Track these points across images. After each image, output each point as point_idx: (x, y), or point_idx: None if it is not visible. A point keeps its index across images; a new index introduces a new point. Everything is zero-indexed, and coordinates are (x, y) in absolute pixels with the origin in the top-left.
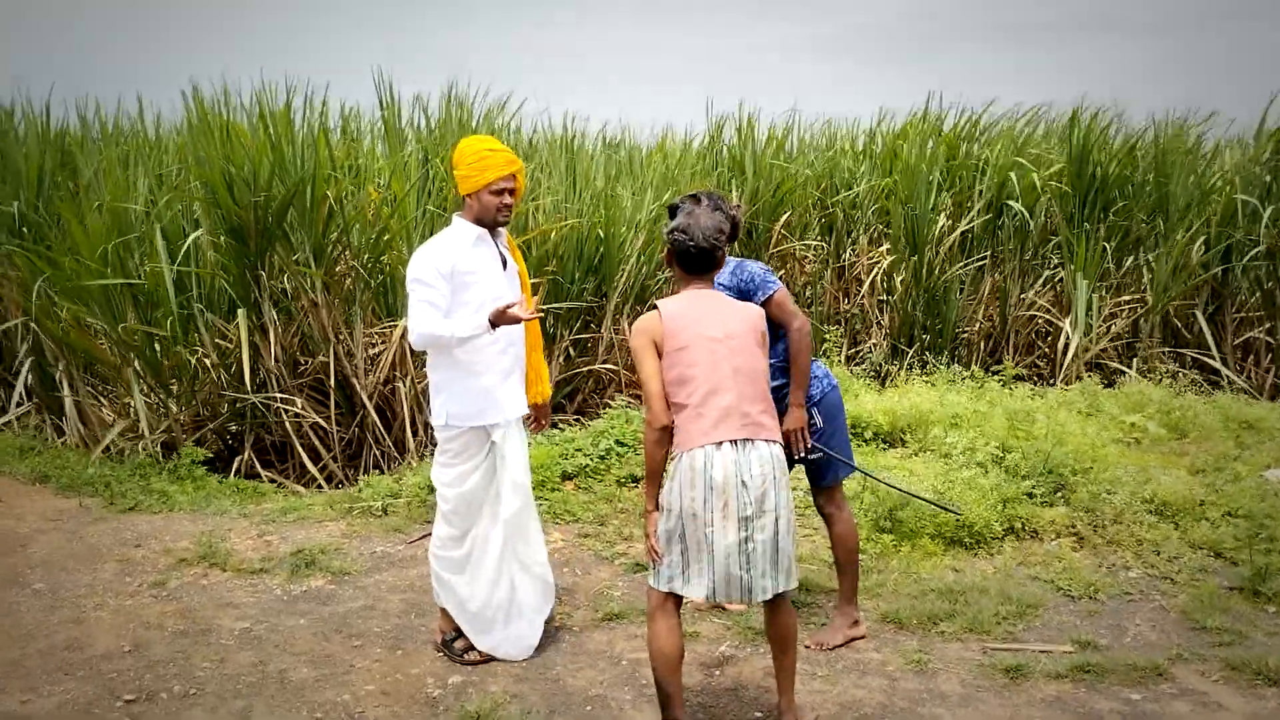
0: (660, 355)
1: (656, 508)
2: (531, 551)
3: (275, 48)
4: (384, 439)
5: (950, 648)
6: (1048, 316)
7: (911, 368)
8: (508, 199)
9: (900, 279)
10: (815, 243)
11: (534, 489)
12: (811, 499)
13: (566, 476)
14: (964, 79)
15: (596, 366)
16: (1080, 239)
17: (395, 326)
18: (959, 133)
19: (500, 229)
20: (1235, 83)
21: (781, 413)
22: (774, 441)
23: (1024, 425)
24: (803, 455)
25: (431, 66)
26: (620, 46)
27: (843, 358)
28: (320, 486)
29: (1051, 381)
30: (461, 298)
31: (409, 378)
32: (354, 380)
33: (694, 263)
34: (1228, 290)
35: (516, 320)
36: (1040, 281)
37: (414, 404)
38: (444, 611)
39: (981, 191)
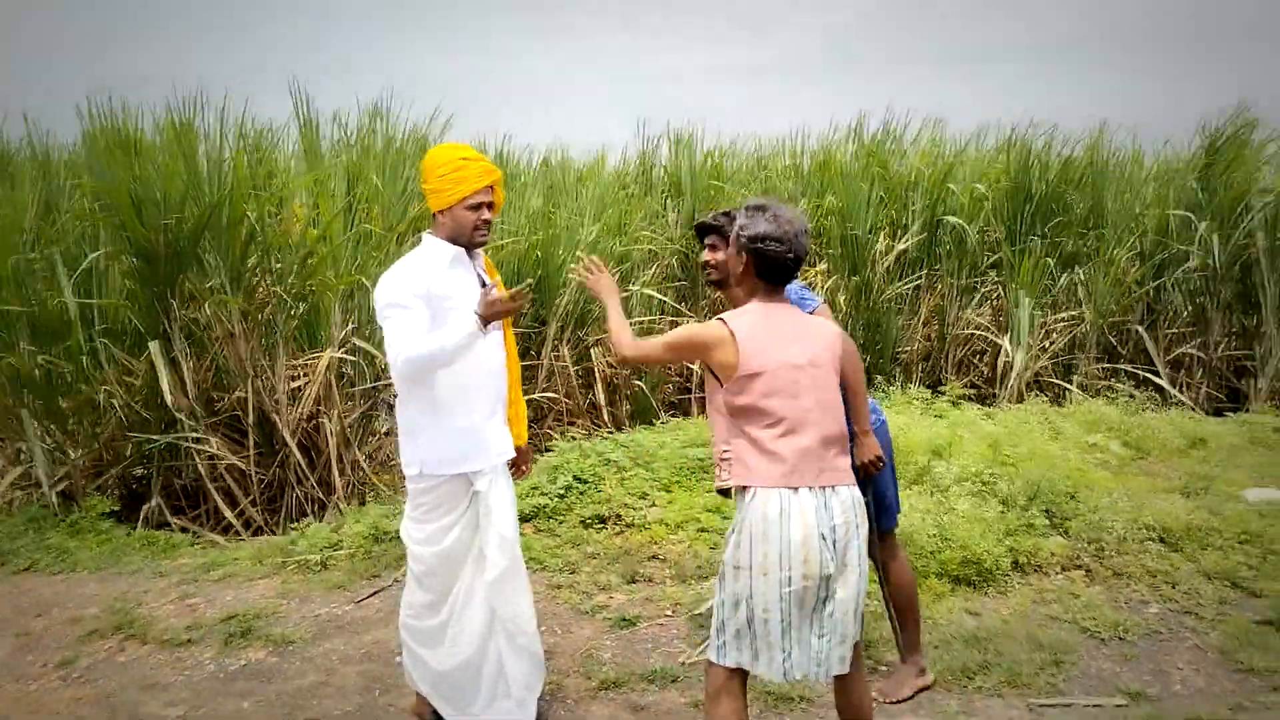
0: (719, 376)
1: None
2: (519, 619)
3: (177, 64)
4: (307, 479)
5: (993, 705)
6: (985, 334)
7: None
8: (486, 214)
9: (843, 298)
10: None
11: None
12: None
13: (524, 518)
14: (890, 101)
15: (536, 395)
16: (1020, 256)
17: (320, 357)
18: (889, 149)
19: (477, 249)
20: (1171, 102)
21: None
22: (852, 485)
23: (1007, 451)
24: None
25: (353, 86)
26: (546, 69)
27: None
28: (238, 534)
29: (992, 400)
30: (438, 322)
31: (335, 412)
32: (275, 417)
33: (783, 274)
34: (1161, 306)
35: (509, 309)
36: (977, 300)
37: (340, 441)
38: (419, 694)
39: (916, 212)
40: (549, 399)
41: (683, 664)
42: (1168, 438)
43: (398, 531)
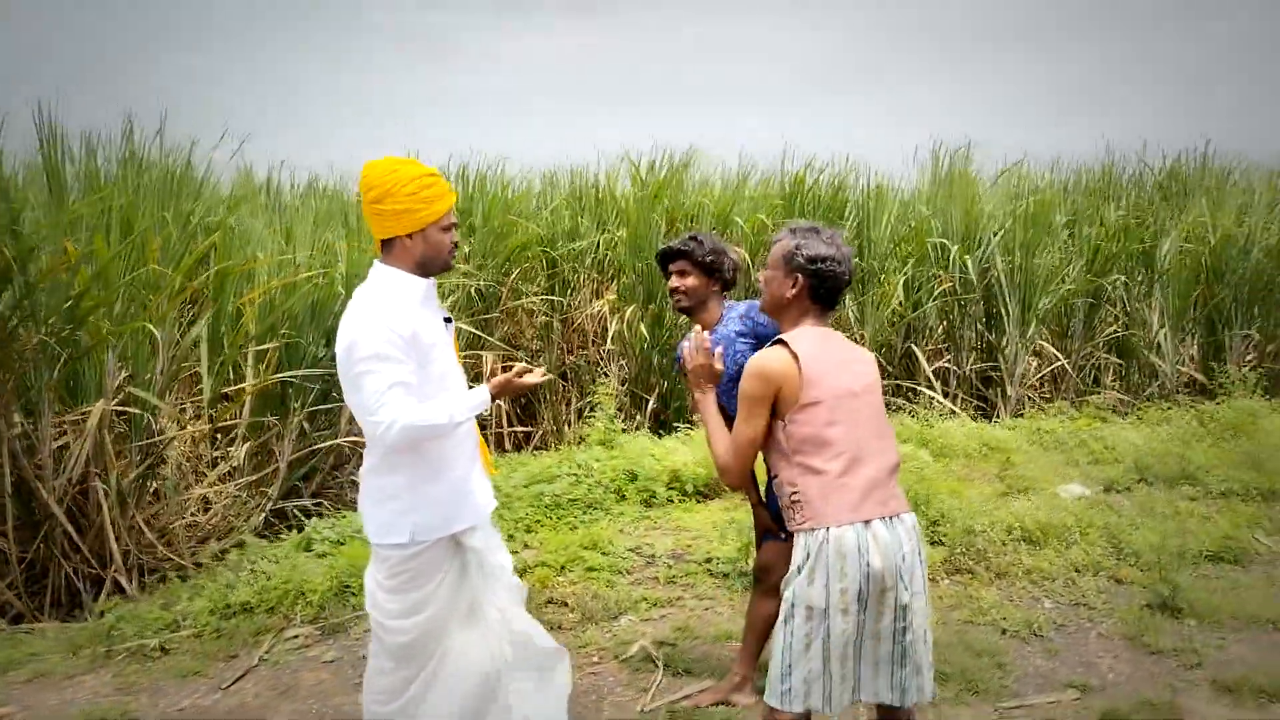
0: (780, 407)
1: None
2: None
3: None
4: (76, 552)
5: (962, 714)
6: None
7: (657, 418)
8: (455, 235)
9: (641, 327)
10: (550, 297)
11: (350, 595)
12: None
13: None
14: (661, 133)
15: (340, 441)
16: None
17: (90, 411)
18: (667, 181)
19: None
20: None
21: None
22: (910, 511)
23: None
24: None
25: (122, 108)
26: (308, 91)
27: (573, 411)
28: None
29: None
30: (427, 372)
31: (113, 474)
32: (37, 483)
33: (837, 297)
34: (920, 325)
35: (527, 388)
36: None
37: (115, 506)
38: None
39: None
40: (353, 444)
41: (641, 712)
42: (965, 445)
43: (245, 604)
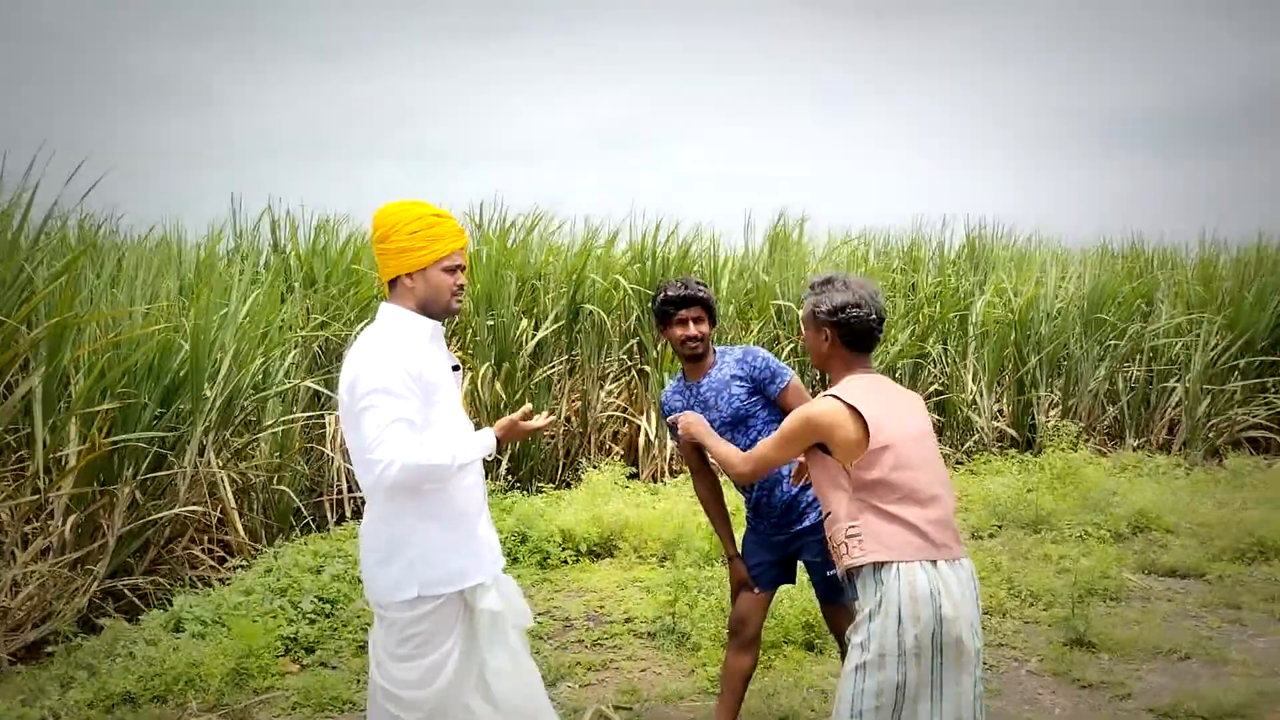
0: (836, 453)
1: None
2: None
3: None
4: None
5: None
6: (625, 415)
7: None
8: (461, 277)
9: (496, 385)
10: None
11: (248, 678)
12: (825, 621)
13: (279, 653)
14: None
15: (180, 510)
16: (654, 340)
17: None
18: (514, 241)
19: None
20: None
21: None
22: (967, 557)
23: None
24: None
25: None
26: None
27: None
28: None
29: (637, 475)
30: (432, 412)
31: None
32: None
33: (871, 340)
34: None
35: (532, 432)
36: (611, 378)
37: None
38: None
39: (551, 300)
40: (192, 513)
41: None
42: None
43: (127, 694)
